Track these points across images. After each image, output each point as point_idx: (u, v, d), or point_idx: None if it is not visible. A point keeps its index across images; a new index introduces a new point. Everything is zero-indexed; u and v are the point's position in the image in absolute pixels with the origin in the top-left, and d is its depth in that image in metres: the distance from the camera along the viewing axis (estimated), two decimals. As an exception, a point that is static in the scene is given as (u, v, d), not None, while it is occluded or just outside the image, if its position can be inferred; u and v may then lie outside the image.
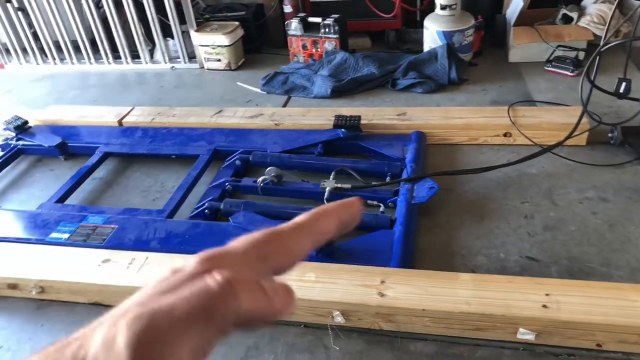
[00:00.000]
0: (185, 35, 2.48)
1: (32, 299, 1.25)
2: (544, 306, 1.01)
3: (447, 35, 2.12)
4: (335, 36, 2.26)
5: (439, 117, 1.70)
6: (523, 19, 2.16)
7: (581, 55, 2.06)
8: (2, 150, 1.84)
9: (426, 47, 2.20)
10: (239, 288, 0.23)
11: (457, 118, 1.69)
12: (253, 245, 0.28)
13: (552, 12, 2.20)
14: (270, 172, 1.47)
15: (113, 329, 0.21)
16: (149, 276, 1.19)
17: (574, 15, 2.12)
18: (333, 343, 1.06)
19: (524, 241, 1.26)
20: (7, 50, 2.73)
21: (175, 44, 2.52)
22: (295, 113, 1.85)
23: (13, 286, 1.25)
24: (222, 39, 2.37)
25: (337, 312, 1.07)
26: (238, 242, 0.28)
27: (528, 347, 1.02)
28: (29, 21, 2.60)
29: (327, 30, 2.26)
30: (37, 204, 1.55)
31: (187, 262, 0.26)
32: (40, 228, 1.41)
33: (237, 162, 1.61)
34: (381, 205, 1.38)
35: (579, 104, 1.50)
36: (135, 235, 1.34)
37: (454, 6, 2.11)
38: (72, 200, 1.60)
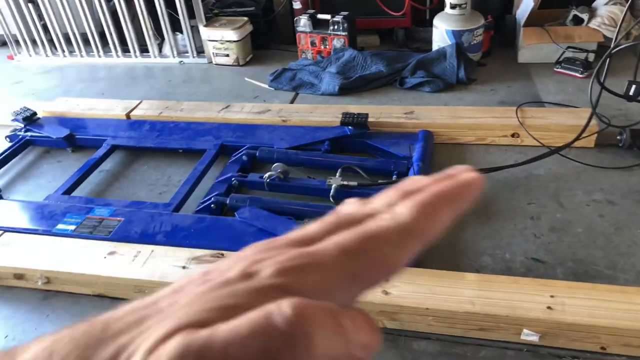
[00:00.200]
0: (194, 30, 2.49)
1: (38, 289, 1.26)
2: (549, 308, 1.00)
3: (457, 35, 2.11)
4: (344, 33, 2.26)
5: (446, 117, 1.70)
6: (533, 20, 2.14)
7: (591, 57, 2.04)
8: (11, 141, 1.85)
9: (435, 46, 2.19)
10: (315, 327, 0.17)
11: (464, 118, 1.69)
12: (344, 255, 0.20)
13: (563, 13, 2.19)
14: (276, 168, 1.47)
15: (165, 342, 0.17)
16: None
17: (585, 16, 2.11)
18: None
19: (530, 242, 1.26)
20: (17, 42, 2.74)
21: (184, 38, 2.52)
22: (302, 110, 1.85)
23: (19, 276, 1.26)
24: (231, 34, 2.37)
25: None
26: (327, 245, 0.21)
27: (532, 348, 1.02)
28: (39, 13, 2.61)
29: (336, 27, 2.26)
30: (45, 195, 1.56)
31: (259, 260, 0.20)
32: (47, 219, 1.41)
33: (244, 157, 1.61)
34: (387, 203, 1.37)
35: (588, 106, 1.49)
36: (141, 228, 1.34)
37: (463, 5, 2.10)
38: (79, 192, 1.61)
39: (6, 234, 1.35)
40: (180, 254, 1.22)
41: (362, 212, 0.23)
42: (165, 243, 1.28)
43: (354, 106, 1.84)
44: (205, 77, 2.40)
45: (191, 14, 2.43)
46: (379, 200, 0.24)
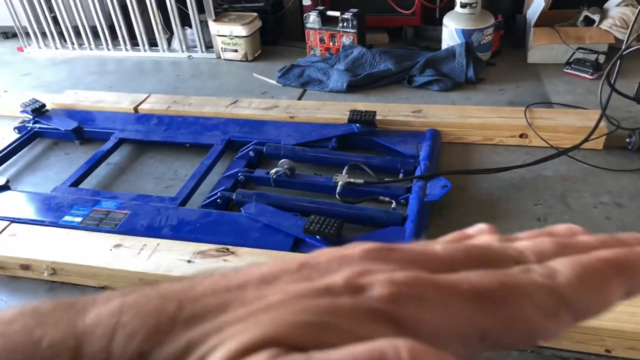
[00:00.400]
0: (203, 24, 2.49)
1: (44, 280, 1.27)
2: (554, 309, 1.00)
3: (466, 34, 2.10)
4: (353, 31, 2.25)
5: (454, 116, 1.69)
6: (543, 20, 2.13)
7: (601, 58, 2.03)
8: (19, 133, 1.87)
9: (444, 45, 2.19)
10: None
11: (472, 117, 1.68)
12: (480, 301, 0.16)
13: (574, 14, 2.17)
14: (283, 164, 1.47)
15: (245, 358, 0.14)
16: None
17: (596, 17, 2.09)
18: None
19: (536, 243, 1.25)
20: (27, 34, 2.76)
21: (193, 33, 2.53)
22: (310, 106, 1.85)
23: (26, 267, 1.27)
24: (240, 30, 2.37)
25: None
26: (460, 280, 0.17)
27: (536, 349, 1.02)
28: (49, 5, 2.63)
29: (345, 24, 2.25)
30: (52, 186, 1.57)
31: (371, 271, 0.17)
32: (54, 211, 1.42)
33: (251, 153, 1.61)
34: (393, 201, 1.37)
35: (597, 108, 1.48)
36: (147, 221, 1.35)
37: (474, 4, 2.09)
38: (86, 184, 1.62)
39: (13, 224, 1.36)
40: (186, 248, 1.23)
41: (504, 252, 0.19)
42: (171, 237, 1.29)
43: (362, 104, 1.84)
44: (213, 72, 2.40)
45: (200, 9, 2.43)
46: (526, 242, 0.19)
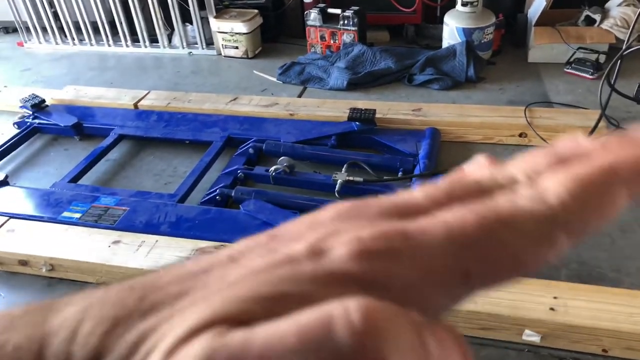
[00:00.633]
0: (204, 21, 2.48)
1: (42, 276, 1.27)
2: (552, 309, 1.00)
3: (467, 33, 2.10)
4: (354, 28, 2.25)
5: (454, 115, 1.69)
6: (545, 19, 2.13)
7: (602, 58, 2.02)
8: (18, 128, 1.86)
9: (445, 44, 2.18)
10: (389, 346, 0.12)
11: (472, 116, 1.68)
12: (457, 241, 0.14)
13: (575, 14, 2.17)
14: (282, 161, 1.47)
15: (188, 343, 0.13)
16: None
17: (597, 17, 2.09)
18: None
19: (535, 243, 1.25)
20: (27, 29, 2.75)
21: (194, 29, 2.52)
22: (310, 104, 1.85)
23: (24, 263, 1.27)
24: (241, 27, 2.36)
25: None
26: (433, 223, 0.15)
27: (533, 349, 1.02)
28: (49, 0, 2.62)
29: (346, 22, 2.25)
30: (51, 182, 1.57)
31: (337, 231, 0.15)
32: (52, 207, 1.42)
33: (250, 150, 1.61)
34: (392, 200, 1.37)
35: (597, 108, 1.48)
36: (146, 218, 1.35)
37: (475, 3, 2.08)
38: (85, 180, 1.62)
39: (12, 220, 1.36)
40: (185, 245, 1.23)
41: (492, 181, 0.16)
42: (169, 233, 1.29)
43: (362, 102, 1.84)
44: (213, 68, 2.40)
45: (201, 5, 2.43)
46: (519, 163, 0.17)
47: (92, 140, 1.82)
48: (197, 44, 2.56)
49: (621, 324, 0.97)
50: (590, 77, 1.98)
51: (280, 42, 2.57)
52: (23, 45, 2.78)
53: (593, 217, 0.15)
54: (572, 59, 2.05)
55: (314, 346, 0.12)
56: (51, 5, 2.63)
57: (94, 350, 0.14)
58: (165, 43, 2.59)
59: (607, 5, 2.15)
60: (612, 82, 1.44)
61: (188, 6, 2.44)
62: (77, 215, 1.38)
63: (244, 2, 2.52)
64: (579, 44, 2.05)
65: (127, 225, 1.33)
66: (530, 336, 1.01)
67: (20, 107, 1.89)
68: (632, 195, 0.15)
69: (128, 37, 2.61)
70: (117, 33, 2.61)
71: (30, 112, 1.87)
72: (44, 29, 2.72)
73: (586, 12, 2.12)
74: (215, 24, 2.42)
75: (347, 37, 2.28)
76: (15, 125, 1.87)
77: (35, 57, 2.67)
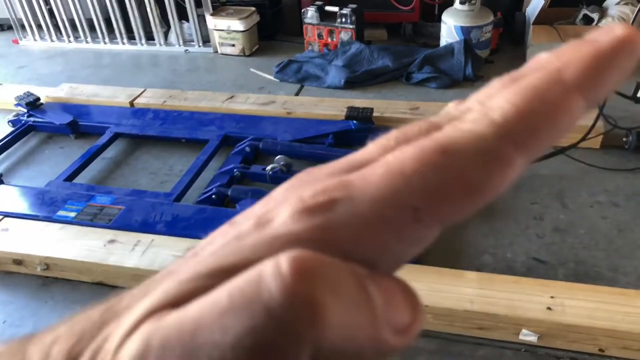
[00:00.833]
0: (201, 18, 2.47)
1: (37, 275, 1.26)
2: (549, 308, 1.00)
3: (465, 31, 2.09)
4: (351, 26, 2.24)
5: (451, 113, 1.68)
6: (543, 18, 2.12)
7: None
8: (13, 126, 1.85)
9: (443, 42, 2.18)
10: (325, 294, 0.12)
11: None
12: (400, 180, 0.13)
13: (573, 12, 2.16)
14: (279, 160, 1.47)
15: (130, 337, 0.13)
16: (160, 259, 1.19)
17: (595, 16, 2.08)
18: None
19: (532, 242, 1.25)
20: (22, 26, 2.73)
21: (190, 27, 2.51)
22: (307, 102, 1.84)
23: (18, 262, 1.26)
24: (238, 24, 2.35)
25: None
26: (373, 167, 0.14)
27: (530, 348, 1.02)
28: (45, -2, 2.61)
29: (343, 20, 2.24)
30: (46, 181, 1.56)
31: (285, 199, 0.15)
32: (47, 205, 1.41)
33: (247, 148, 1.60)
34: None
35: (595, 107, 1.47)
36: (141, 217, 1.34)
37: (473, 1, 2.08)
38: (81, 179, 1.60)
39: (6, 219, 1.35)
40: (180, 244, 1.22)
41: (444, 116, 0.16)
42: (165, 233, 1.28)
43: (360, 100, 1.83)
44: (210, 66, 2.39)
45: (198, 2, 2.42)
46: (477, 94, 0.16)
47: (88, 138, 1.80)
48: (193, 41, 2.55)
49: (618, 324, 0.97)
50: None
51: (278, 39, 2.56)
52: (18, 43, 2.77)
53: (544, 127, 0.14)
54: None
55: (245, 304, 0.11)
56: (46, 2, 2.62)
57: None
58: (162, 41, 2.58)
59: (605, 4, 2.15)
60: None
61: (184, 3, 2.42)
62: (73, 214, 1.37)
63: (240, -1, 2.51)
64: (576, 43, 2.05)
65: (122, 224, 1.32)
66: (527, 336, 1.00)
67: (15, 105, 1.88)
68: (589, 101, 0.14)
69: (124, 35, 2.60)
70: (113, 30, 2.60)
71: (25, 110, 1.86)
72: (39, 26, 2.71)
73: (584, 11, 2.12)
74: (211, 21, 2.40)
75: (344, 35, 2.27)
76: (9, 124, 1.86)
77: (30, 54, 2.65)
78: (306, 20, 2.32)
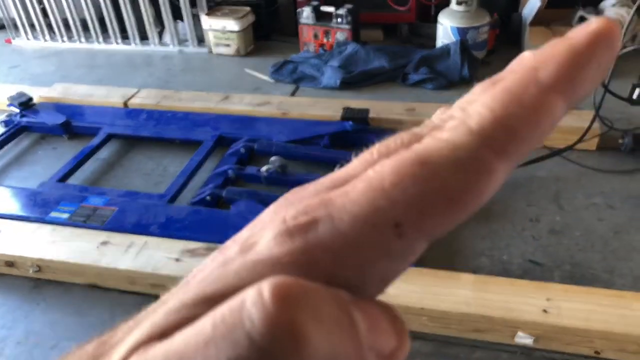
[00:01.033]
0: (195, 18, 2.46)
1: (30, 277, 1.25)
2: (544, 311, 0.99)
3: (461, 32, 2.09)
4: (347, 27, 2.23)
5: (447, 114, 1.68)
6: (539, 19, 2.12)
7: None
8: (5, 127, 1.83)
9: (439, 43, 2.17)
10: (308, 322, 0.11)
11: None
12: (380, 194, 0.13)
13: (569, 13, 2.17)
14: (274, 161, 1.46)
15: None
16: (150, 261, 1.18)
17: (591, 17, 2.08)
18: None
19: (528, 244, 1.25)
20: (15, 25, 2.71)
21: (185, 27, 2.50)
22: (303, 103, 1.83)
23: (10, 264, 1.24)
24: (233, 24, 2.34)
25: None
26: (354, 183, 0.14)
27: (526, 351, 1.01)
28: (38, -3, 2.58)
29: (339, 20, 2.23)
30: (39, 182, 1.54)
31: (266, 223, 0.15)
32: (40, 206, 1.40)
33: (242, 149, 1.59)
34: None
35: (591, 108, 1.47)
36: (135, 218, 1.33)
37: (469, 2, 2.08)
38: (74, 180, 1.59)
39: (-2, 220, 1.33)
40: (174, 246, 1.21)
41: (427, 125, 0.15)
42: (159, 234, 1.27)
43: (355, 101, 1.82)
44: (205, 66, 2.38)
45: (192, 2, 2.41)
46: (460, 100, 0.16)
47: (81, 139, 1.79)
48: (188, 41, 2.53)
49: (614, 326, 0.97)
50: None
51: (273, 40, 2.55)
52: (11, 42, 2.74)
53: (523, 130, 0.13)
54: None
55: (228, 333, 0.11)
56: (40, 1, 2.60)
57: None
58: (156, 40, 2.56)
59: (601, 5, 2.15)
60: (605, 83, 1.44)
61: (179, 3, 2.41)
62: (65, 216, 1.36)
63: (236, -1, 2.50)
64: (572, 44, 2.05)
65: (116, 225, 1.31)
66: (523, 338, 1.00)
67: (8, 105, 1.86)
68: (568, 100, 0.14)
69: (118, 35, 2.58)
70: (107, 30, 2.58)
71: (18, 111, 1.84)
72: (32, 26, 2.69)
73: (580, 13, 2.12)
74: (206, 21, 2.39)
75: (340, 36, 2.26)
76: (2, 124, 1.84)
77: (23, 54, 2.63)
78: (302, 21, 2.31)
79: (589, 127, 1.47)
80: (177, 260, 1.17)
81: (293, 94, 2.05)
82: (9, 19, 2.70)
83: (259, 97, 1.90)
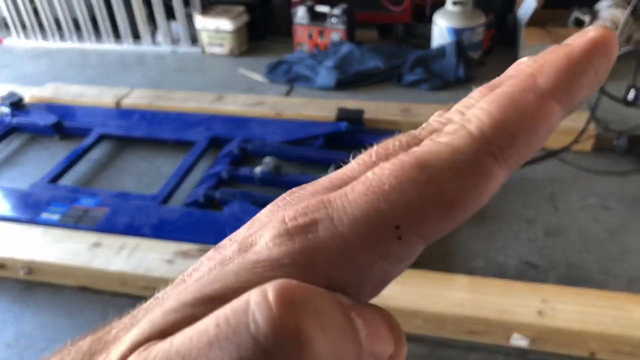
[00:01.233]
0: (189, 18, 2.44)
1: (20, 279, 1.23)
2: (540, 312, 0.99)
3: (457, 32, 2.08)
4: (342, 27, 2.23)
5: (442, 115, 1.67)
6: (535, 20, 2.12)
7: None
8: (-4, 126, 1.81)
9: (435, 43, 2.17)
10: (312, 328, 0.11)
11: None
12: (380, 197, 0.13)
13: (565, 14, 2.17)
14: (268, 162, 1.45)
15: None
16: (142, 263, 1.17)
17: (586, 18, 2.09)
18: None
19: (524, 246, 1.24)
20: (6, 25, 2.68)
21: (178, 26, 2.48)
22: (297, 103, 1.82)
23: (0, 266, 1.23)
24: (226, 24, 2.33)
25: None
26: (354, 185, 0.14)
27: (521, 352, 1.01)
28: (30, -4, 2.56)
29: (334, 20, 2.23)
30: (30, 182, 1.53)
31: (264, 223, 0.15)
32: (31, 207, 1.38)
33: (235, 150, 1.58)
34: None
35: (586, 110, 1.47)
36: (127, 219, 1.32)
37: (465, 2, 2.07)
38: (66, 180, 1.58)
39: (-12, 221, 1.31)
40: (167, 248, 1.20)
41: (426, 128, 0.15)
42: (151, 236, 1.25)
43: (350, 101, 1.82)
44: (198, 66, 2.36)
45: (186, 1, 2.39)
46: (458, 104, 0.16)
47: (73, 139, 1.77)
48: (181, 41, 2.52)
49: (609, 327, 0.97)
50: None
51: (267, 40, 2.54)
52: (2, 42, 2.72)
53: (521, 135, 0.14)
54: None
55: (232, 335, 0.11)
56: (31, 0, 2.57)
57: None
58: (149, 40, 2.55)
59: (597, 6, 2.16)
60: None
61: (172, 2, 2.39)
62: (57, 217, 1.34)
63: (230, -1, 2.48)
64: (566, 45, 2.05)
65: (108, 227, 1.29)
66: (518, 340, 0.99)
67: (-1, 105, 1.84)
68: (566, 106, 0.14)
69: (110, 34, 2.56)
70: (99, 30, 2.56)
71: (9, 111, 1.82)
72: (23, 25, 2.66)
73: (576, 14, 2.12)
74: (200, 21, 2.38)
75: (335, 36, 2.25)
76: (-7, 124, 1.82)
77: (14, 53, 2.61)
78: (296, 21, 2.30)
79: (584, 129, 1.46)
80: (170, 262, 1.16)
81: (287, 94, 2.04)
82: (0, 18, 2.67)
83: (253, 97, 1.88)
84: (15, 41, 2.70)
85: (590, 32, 0.14)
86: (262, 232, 0.14)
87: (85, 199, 1.39)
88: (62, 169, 1.57)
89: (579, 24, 2.12)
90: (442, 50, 2.07)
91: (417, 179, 0.13)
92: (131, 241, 1.22)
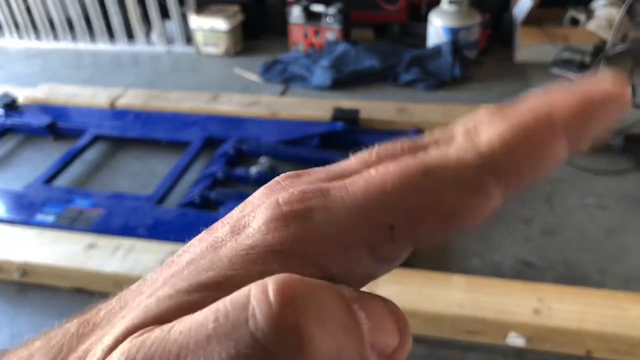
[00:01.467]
0: (184, 17, 2.43)
1: (14, 281, 1.22)
2: (537, 312, 0.99)
3: (453, 32, 2.08)
4: (337, 26, 2.22)
5: (439, 115, 1.67)
6: (530, 19, 2.13)
7: (587, 58, 2.03)
8: (-10, 127, 1.80)
9: (430, 43, 2.17)
10: (313, 323, 0.11)
11: (458, 116, 1.66)
12: (380, 196, 0.13)
13: (560, 13, 2.17)
14: (264, 162, 1.44)
15: (111, 354, 0.13)
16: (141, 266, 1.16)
17: (582, 17, 2.09)
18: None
19: (521, 245, 1.24)
20: None
21: (173, 26, 2.47)
22: (292, 103, 1.82)
23: (-6, 268, 1.22)
24: (221, 24, 2.32)
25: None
26: (354, 179, 0.14)
27: (518, 352, 1.01)
28: (23, -5, 2.54)
29: (329, 19, 2.22)
30: (24, 184, 1.52)
31: (257, 205, 0.15)
32: (25, 209, 1.37)
33: (231, 150, 1.57)
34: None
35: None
36: (122, 220, 1.31)
37: (461, 1, 2.07)
38: (60, 181, 1.57)
39: (-19, 223, 1.30)
40: (162, 249, 1.19)
41: (430, 139, 0.16)
42: (146, 236, 1.25)
43: (346, 101, 1.81)
44: (193, 66, 2.35)
45: (181, 1, 2.38)
46: (463, 121, 0.16)
47: (67, 140, 1.76)
48: (176, 40, 2.51)
49: (606, 327, 0.97)
50: (576, 77, 1.99)
51: (263, 39, 2.53)
52: (-4, 42, 2.70)
53: (526, 163, 0.14)
54: (558, 60, 2.05)
55: (231, 330, 0.11)
56: (24, 0, 2.56)
57: None
58: (144, 40, 2.53)
59: (592, 5, 2.16)
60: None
61: (166, 2, 2.38)
62: (51, 218, 1.33)
63: (225, -2, 2.47)
64: (564, 44, 2.05)
65: (102, 228, 1.29)
66: (515, 339, 0.99)
67: (-8, 106, 1.83)
68: (572, 146, 0.15)
69: (104, 34, 2.55)
70: (93, 29, 2.55)
71: (2, 112, 1.81)
72: (16, 25, 2.64)
73: (571, 12, 2.13)
74: (195, 20, 2.37)
75: (330, 35, 2.25)
76: (-14, 125, 1.81)
77: (7, 54, 2.59)
78: (291, 20, 2.29)
79: (580, 127, 1.47)
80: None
81: (283, 94, 2.04)
82: (-6, 18, 2.65)
83: (248, 97, 1.88)
84: (9, 41, 2.68)
85: (609, 83, 0.15)
86: (255, 213, 0.14)
87: (80, 200, 1.39)
88: (57, 170, 1.56)
89: (575, 23, 2.12)
90: (437, 50, 2.07)
91: (420, 183, 0.13)
92: (126, 242, 1.21)
